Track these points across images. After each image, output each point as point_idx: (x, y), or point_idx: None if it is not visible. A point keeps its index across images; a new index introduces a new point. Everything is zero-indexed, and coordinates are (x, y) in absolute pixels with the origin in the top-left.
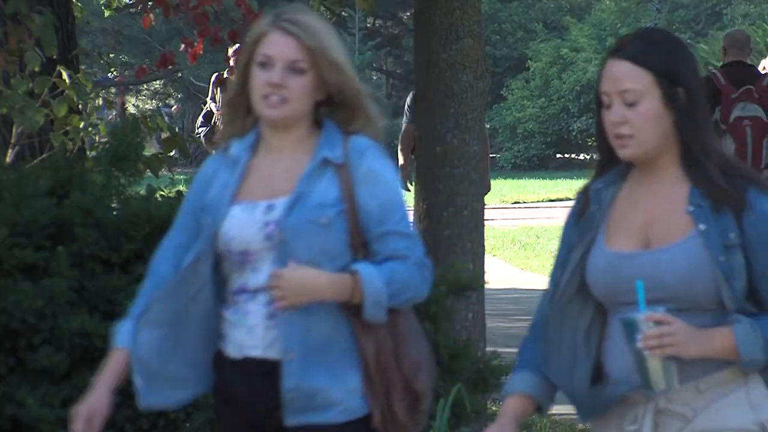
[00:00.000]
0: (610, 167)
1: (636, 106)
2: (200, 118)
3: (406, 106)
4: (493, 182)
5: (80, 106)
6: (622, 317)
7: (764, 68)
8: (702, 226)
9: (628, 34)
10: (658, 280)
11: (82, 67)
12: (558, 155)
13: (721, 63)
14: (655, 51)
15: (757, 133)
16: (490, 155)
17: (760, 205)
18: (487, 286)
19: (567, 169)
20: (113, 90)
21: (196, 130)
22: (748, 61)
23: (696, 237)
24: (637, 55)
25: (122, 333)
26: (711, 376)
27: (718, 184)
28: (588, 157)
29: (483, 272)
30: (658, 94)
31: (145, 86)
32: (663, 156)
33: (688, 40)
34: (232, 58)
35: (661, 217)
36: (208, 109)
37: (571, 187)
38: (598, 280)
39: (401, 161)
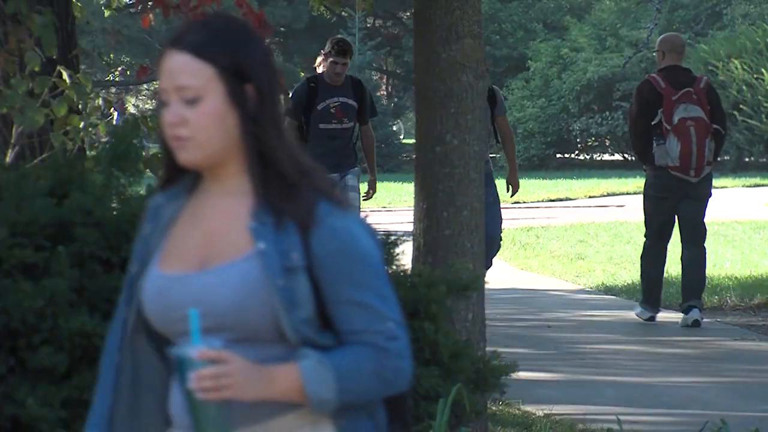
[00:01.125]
0: (179, 176)
1: (196, 105)
2: None
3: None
4: None
5: (80, 106)
6: (173, 352)
7: None
8: (261, 245)
9: (190, 21)
10: (209, 305)
11: (82, 67)
12: (558, 155)
13: (660, 66)
14: (218, 42)
15: (701, 132)
16: (491, 155)
17: (330, 221)
18: (487, 286)
19: (567, 169)
20: (113, 90)
21: None
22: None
23: (253, 257)
24: (197, 47)
25: None
26: (273, 422)
27: (283, 198)
28: (588, 157)
29: (483, 272)
30: (221, 91)
31: (145, 86)
32: (230, 163)
33: (688, 41)
34: (320, 65)
35: (220, 234)
36: None
37: (570, 187)
38: (150, 308)
39: None
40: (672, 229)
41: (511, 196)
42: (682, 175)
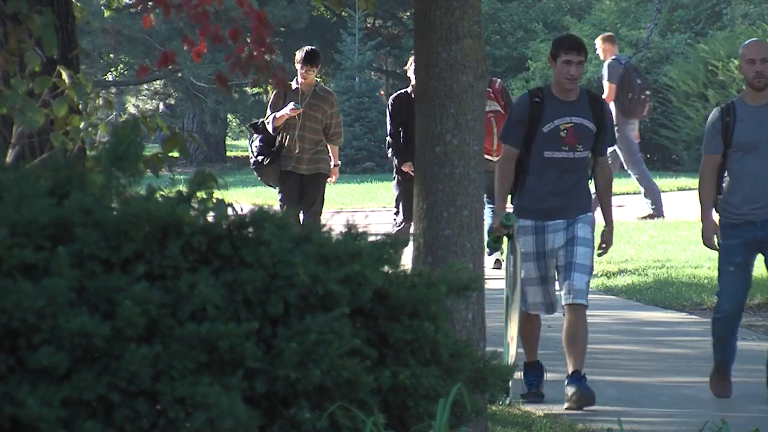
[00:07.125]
0: None
1: None
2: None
3: (510, 124)
4: None
5: (80, 106)
6: None
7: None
8: None
9: None
10: None
11: (82, 67)
12: None
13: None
14: None
15: (499, 122)
16: (492, 156)
17: None
18: (487, 286)
19: None
20: (113, 90)
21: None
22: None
23: None
24: None
25: None
26: None
27: None
28: None
29: (483, 272)
30: None
31: (145, 86)
32: None
33: (688, 40)
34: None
35: None
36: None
37: None
38: None
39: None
40: None
41: None
42: (485, 155)
